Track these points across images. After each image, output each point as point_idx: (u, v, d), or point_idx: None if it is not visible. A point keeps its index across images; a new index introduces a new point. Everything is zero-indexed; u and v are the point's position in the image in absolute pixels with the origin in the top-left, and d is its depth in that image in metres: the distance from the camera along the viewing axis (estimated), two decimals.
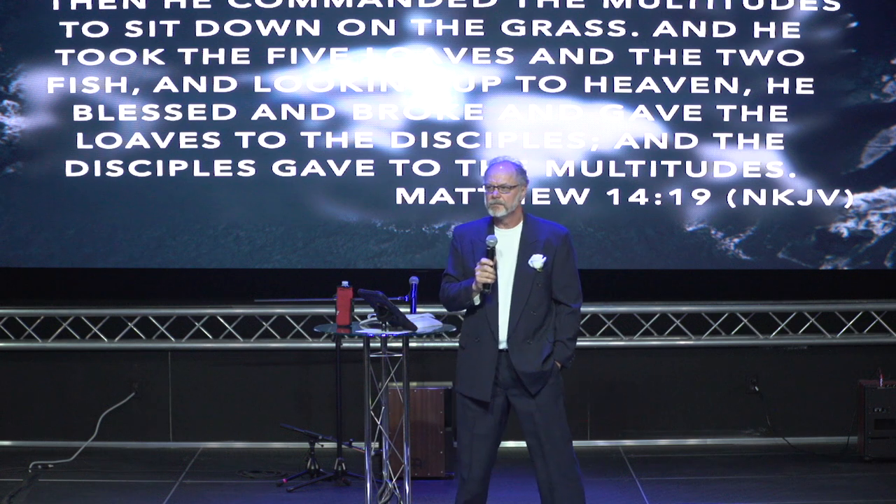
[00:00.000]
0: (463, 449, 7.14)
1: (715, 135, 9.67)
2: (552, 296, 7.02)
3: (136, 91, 9.62)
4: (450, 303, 7.12)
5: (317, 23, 9.61)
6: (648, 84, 9.62)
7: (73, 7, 9.58)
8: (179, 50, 9.61)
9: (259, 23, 9.59)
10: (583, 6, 9.60)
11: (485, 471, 7.16)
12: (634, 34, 9.61)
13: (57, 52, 9.61)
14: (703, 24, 9.61)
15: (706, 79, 9.63)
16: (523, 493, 8.91)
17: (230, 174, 9.67)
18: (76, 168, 9.67)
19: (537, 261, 6.95)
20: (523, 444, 10.34)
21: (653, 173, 9.66)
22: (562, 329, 7.04)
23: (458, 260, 7.09)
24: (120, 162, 9.67)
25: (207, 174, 9.68)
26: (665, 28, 9.60)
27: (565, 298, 7.03)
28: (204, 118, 9.64)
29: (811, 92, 9.63)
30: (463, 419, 7.12)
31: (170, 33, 9.60)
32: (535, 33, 9.61)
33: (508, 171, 6.98)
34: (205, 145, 9.66)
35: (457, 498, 7.25)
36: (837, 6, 9.59)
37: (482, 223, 7.11)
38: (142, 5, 9.58)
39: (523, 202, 7.06)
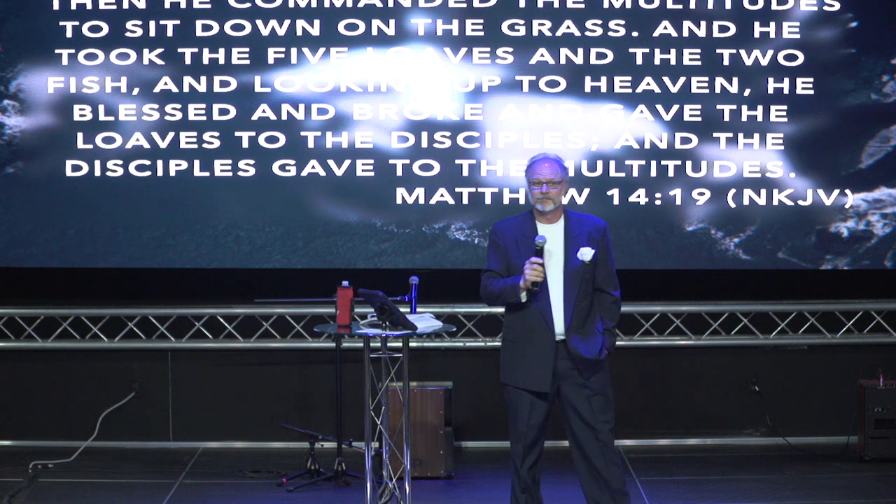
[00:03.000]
0: (518, 438, 7.24)
1: (715, 135, 9.67)
2: (595, 286, 7.21)
3: (136, 91, 9.62)
4: (493, 299, 7.25)
5: (317, 23, 9.61)
6: (648, 84, 9.62)
7: (73, 7, 9.58)
8: (179, 50, 9.61)
9: (259, 23, 9.60)
10: (583, 6, 9.60)
11: (536, 458, 7.27)
12: (634, 34, 9.61)
13: (57, 52, 9.61)
14: (703, 24, 9.61)
15: (706, 79, 9.63)
16: None
17: (230, 174, 9.67)
18: (76, 168, 9.68)
19: (587, 254, 7.13)
20: None
21: (653, 173, 9.67)
22: (608, 317, 7.26)
23: (501, 256, 7.20)
24: (120, 162, 9.67)
25: (207, 174, 9.68)
26: (665, 28, 9.61)
27: (608, 287, 7.27)
28: (204, 118, 9.64)
29: (811, 92, 9.63)
30: (517, 411, 7.23)
31: (170, 33, 9.60)
32: (535, 33, 9.61)
33: (555, 167, 7.16)
34: (205, 145, 9.66)
35: (513, 489, 7.31)
36: (837, 6, 9.59)
37: (523, 219, 7.24)
38: (142, 5, 9.59)
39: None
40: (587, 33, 9.62)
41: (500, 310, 10.03)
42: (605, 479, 7.23)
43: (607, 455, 7.24)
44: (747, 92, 9.63)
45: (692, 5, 9.60)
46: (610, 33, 9.61)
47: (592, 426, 7.21)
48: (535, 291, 7.09)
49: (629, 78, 9.62)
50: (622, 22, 9.60)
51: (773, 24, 9.60)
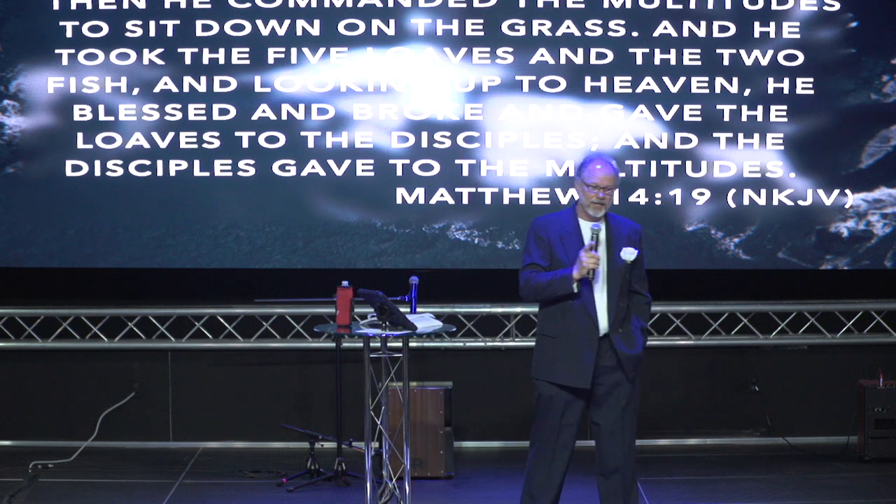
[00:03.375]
0: (547, 438, 7.19)
1: (715, 135, 9.67)
2: (629, 287, 7.22)
3: (136, 91, 9.62)
4: (538, 292, 7.17)
5: (317, 23, 9.61)
6: (648, 84, 9.62)
7: (73, 7, 9.58)
8: (179, 50, 9.61)
9: (259, 23, 9.60)
10: (583, 6, 9.60)
11: (568, 460, 7.23)
12: (634, 34, 9.61)
13: (57, 52, 9.61)
14: (703, 24, 9.61)
15: (706, 79, 9.63)
16: None
17: (230, 174, 9.67)
18: (76, 168, 9.67)
19: (631, 254, 7.15)
20: (525, 443, 10.37)
21: (653, 173, 9.67)
22: (642, 318, 7.28)
23: (546, 250, 7.17)
24: (120, 162, 9.67)
25: (207, 174, 9.68)
26: (665, 28, 9.61)
27: (642, 289, 7.29)
28: (204, 118, 9.64)
29: (811, 92, 9.63)
30: (549, 408, 7.20)
31: (170, 33, 9.60)
32: (535, 33, 9.61)
33: (612, 174, 7.17)
34: (205, 145, 9.66)
35: (532, 487, 7.25)
36: (837, 6, 9.59)
37: (565, 215, 7.23)
38: (142, 5, 9.58)
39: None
40: (587, 33, 9.62)
41: (502, 309, 10.11)
42: (618, 468, 7.20)
43: (632, 454, 7.22)
44: (747, 92, 9.63)
45: (692, 5, 9.60)
46: (610, 33, 9.61)
47: (622, 423, 7.18)
48: (591, 279, 7.06)
49: (629, 78, 9.62)
50: (622, 22, 9.60)
51: (773, 24, 9.60)
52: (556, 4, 9.59)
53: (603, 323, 7.13)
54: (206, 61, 9.61)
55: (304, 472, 9.22)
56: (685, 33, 9.62)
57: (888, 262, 9.74)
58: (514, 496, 8.85)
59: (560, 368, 7.15)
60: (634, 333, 7.20)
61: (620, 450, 7.19)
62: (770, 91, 9.63)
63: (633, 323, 7.21)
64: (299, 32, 9.61)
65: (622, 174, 9.64)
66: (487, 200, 9.68)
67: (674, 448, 10.12)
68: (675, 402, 10.24)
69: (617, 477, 7.20)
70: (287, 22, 9.60)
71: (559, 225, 7.20)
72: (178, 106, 9.64)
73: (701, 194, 9.69)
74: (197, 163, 9.67)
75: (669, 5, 9.60)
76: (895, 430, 9.57)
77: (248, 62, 9.61)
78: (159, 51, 9.61)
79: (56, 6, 9.58)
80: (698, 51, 9.62)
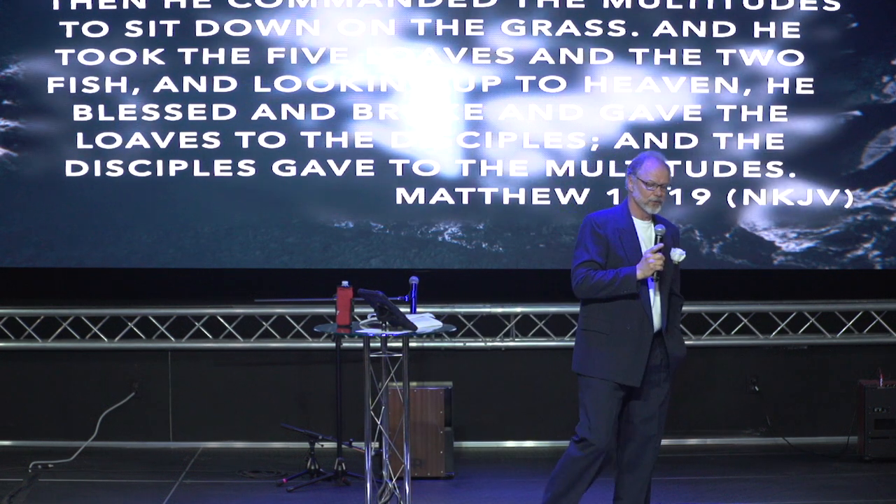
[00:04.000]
0: (604, 433, 7.15)
1: (715, 135, 9.67)
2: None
3: (136, 91, 9.63)
4: (597, 290, 7.14)
5: (317, 23, 9.61)
6: (648, 84, 9.62)
7: (73, 7, 9.58)
8: (179, 50, 9.61)
9: (259, 23, 9.60)
10: (583, 6, 9.60)
11: (605, 460, 7.23)
12: (634, 34, 9.61)
13: (57, 52, 9.61)
14: (703, 23, 9.61)
15: (706, 79, 9.63)
16: (524, 493, 8.92)
17: (230, 174, 9.67)
18: (76, 168, 9.68)
19: (681, 255, 7.15)
20: (525, 443, 10.40)
21: None
22: (677, 317, 7.30)
23: (604, 246, 7.16)
24: (120, 162, 9.67)
25: (207, 174, 9.68)
26: (665, 28, 9.61)
27: (678, 291, 7.30)
28: (204, 118, 9.65)
29: (811, 92, 9.63)
30: (605, 404, 7.17)
31: (170, 33, 9.60)
32: (535, 33, 9.61)
33: (667, 171, 7.17)
34: (205, 145, 9.66)
35: (568, 478, 7.22)
36: (837, 6, 9.60)
37: (619, 213, 7.23)
38: (142, 5, 9.59)
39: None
40: (587, 33, 9.62)
41: (502, 310, 10.10)
42: (642, 484, 7.25)
43: (655, 455, 7.26)
44: (747, 92, 9.64)
45: (692, 5, 9.60)
46: (610, 33, 9.61)
47: (656, 424, 7.21)
48: (655, 280, 7.06)
49: (629, 78, 9.62)
50: (622, 22, 9.60)
51: (773, 24, 9.60)
52: (556, 4, 9.60)
53: (657, 322, 7.14)
54: (206, 61, 9.61)
55: (304, 472, 9.22)
56: (685, 33, 9.62)
57: (888, 262, 9.74)
58: (515, 496, 8.87)
59: (611, 365, 7.14)
60: (678, 334, 7.26)
61: (651, 446, 7.22)
62: (770, 91, 9.63)
63: (675, 323, 7.25)
64: (299, 32, 9.61)
65: (621, 174, 9.67)
66: (487, 200, 9.69)
67: (674, 448, 10.12)
68: (676, 402, 10.21)
69: (639, 472, 7.24)
70: (287, 22, 9.60)
71: (616, 222, 7.20)
72: (178, 106, 9.64)
73: (701, 194, 9.69)
74: (197, 163, 9.68)
75: (669, 5, 9.60)
76: (895, 430, 9.57)
77: (248, 62, 9.61)
78: (159, 51, 9.61)
79: (56, 6, 9.58)
80: (698, 51, 9.62)
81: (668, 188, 7.24)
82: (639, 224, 7.21)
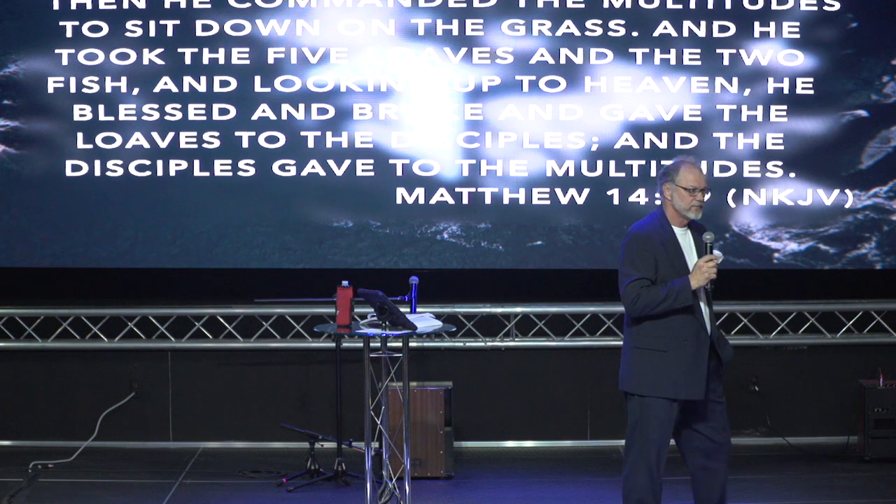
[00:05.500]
0: (651, 456, 7.06)
1: (715, 135, 9.67)
2: None
3: (136, 91, 9.63)
4: (652, 307, 6.98)
5: (317, 23, 9.61)
6: (648, 84, 9.62)
7: (73, 7, 9.58)
8: (179, 50, 9.61)
9: (259, 23, 9.60)
10: (583, 6, 9.60)
11: (661, 473, 7.16)
12: (634, 34, 9.61)
13: (57, 51, 9.61)
14: (703, 23, 9.61)
15: (706, 79, 9.63)
16: (524, 493, 8.92)
17: (230, 174, 9.67)
18: (76, 168, 9.68)
19: (719, 258, 7.04)
20: (525, 443, 10.39)
21: (653, 173, 9.66)
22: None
23: (652, 262, 7.00)
24: (120, 162, 9.67)
25: (207, 174, 9.68)
26: (665, 28, 9.61)
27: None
28: (204, 118, 9.65)
29: (811, 92, 9.63)
30: (659, 423, 7.04)
31: (170, 33, 9.60)
32: (535, 33, 9.61)
33: (703, 174, 7.10)
34: (205, 145, 9.66)
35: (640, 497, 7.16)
36: (837, 6, 9.59)
37: (659, 221, 7.10)
38: (142, 5, 9.58)
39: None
40: (587, 33, 9.62)
41: (502, 310, 10.10)
42: (721, 486, 7.19)
43: (725, 470, 7.19)
44: (747, 92, 9.63)
45: (692, 5, 9.60)
46: (610, 33, 9.61)
47: (718, 428, 7.13)
48: (709, 290, 6.98)
49: (629, 78, 9.62)
50: (622, 22, 9.60)
51: (773, 24, 9.60)
52: (556, 4, 9.59)
53: (709, 330, 7.05)
54: (206, 61, 9.61)
55: (304, 472, 9.21)
56: (685, 33, 9.62)
57: (888, 262, 9.74)
58: (515, 496, 8.87)
59: (670, 381, 6.99)
60: (723, 335, 7.20)
61: (724, 451, 7.14)
62: (770, 91, 9.63)
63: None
64: (299, 32, 9.61)
65: (621, 174, 9.68)
66: (487, 200, 9.68)
67: (674, 448, 10.09)
68: None
69: (716, 479, 7.15)
70: (287, 22, 9.60)
71: (658, 233, 7.05)
72: (178, 106, 9.64)
73: None
74: (197, 163, 9.67)
75: (669, 5, 9.60)
76: (895, 430, 9.57)
77: (248, 62, 9.61)
78: (159, 51, 9.61)
79: (56, 6, 9.58)
80: (698, 51, 9.62)
81: (705, 193, 7.08)
82: (677, 232, 7.08)
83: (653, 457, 7.04)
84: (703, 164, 9.66)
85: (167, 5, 9.59)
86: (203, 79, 9.62)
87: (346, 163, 9.67)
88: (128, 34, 9.60)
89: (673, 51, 9.62)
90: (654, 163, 9.66)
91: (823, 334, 10.18)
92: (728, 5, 9.59)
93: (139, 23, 9.59)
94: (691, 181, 7.01)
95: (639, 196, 9.68)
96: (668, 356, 7.00)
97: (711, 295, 7.06)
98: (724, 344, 7.15)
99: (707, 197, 7.09)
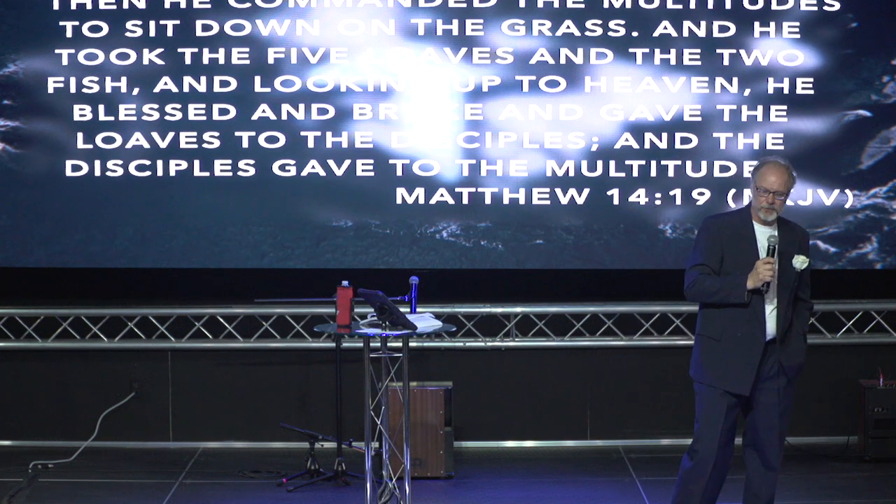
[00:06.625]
0: (709, 444, 7.11)
1: (715, 135, 9.67)
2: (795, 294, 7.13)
3: (136, 91, 9.63)
4: (706, 296, 7.05)
5: (317, 23, 9.61)
6: (648, 84, 9.62)
7: (73, 7, 9.58)
8: (179, 50, 9.61)
9: (259, 23, 9.60)
10: (583, 6, 9.60)
11: (726, 467, 7.20)
12: (634, 34, 9.61)
13: (57, 52, 9.61)
14: (703, 23, 9.61)
15: (706, 79, 9.63)
16: (524, 493, 8.92)
17: (230, 174, 9.67)
18: (76, 168, 9.68)
19: (803, 263, 7.01)
20: (525, 443, 10.39)
21: (653, 173, 9.67)
22: (802, 324, 7.16)
23: (717, 251, 7.03)
24: (120, 162, 9.67)
25: (207, 174, 9.68)
26: (665, 28, 9.60)
27: (806, 297, 7.17)
28: (204, 118, 9.65)
29: (811, 92, 9.63)
30: (712, 412, 7.10)
31: (170, 33, 9.60)
32: (535, 33, 9.61)
33: (785, 177, 7.01)
34: (205, 145, 9.66)
35: (686, 494, 7.20)
36: (837, 6, 9.59)
37: (739, 217, 7.11)
38: (142, 5, 9.58)
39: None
40: (587, 33, 9.62)
41: (502, 310, 10.10)
42: (767, 490, 7.23)
43: (779, 458, 7.21)
44: (747, 92, 9.63)
45: (692, 5, 9.60)
46: (610, 33, 9.61)
47: (776, 430, 7.15)
48: (764, 292, 6.95)
49: (629, 78, 9.62)
50: (622, 22, 9.60)
51: (773, 24, 9.60)
52: (556, 4, 9.59)
53: (771, 330, 7.02)
54: (206, 61, 9.61)
55: (304, 472, 9.21)
56: (685, 33, 9.61)
57: (888, 262, 9.74)
58: (515, 496, 8.87)
59: (722, 373, 7.04)
60: (798, 341, 7.11)
61: (773, 454, 7.16)
62: (770, 91, 9.63)
63: (796, 330, 7.11)
64: (299, 32, 9.61)
65: (621, 174, 9.67)
66: (487, 200, 9.68)
67: (674, 448, 10.11)
68: (675, 402, 10.22)
69: (766, 478, 7.19)
70: (287, 22, 9.60)
71: (733, 227, 7.06)
72: (178, 106, 9.64)
73: (701, 194, 9.69)
74: (197, 163, 9.68)
75: (669, 5, 9.60)
76: (895, 430, 9.57)
77: (248, 62, 9.61)
78: (159, 51, 9.61)
79: (56, 6, 9.58)
80: (698, 51, 9.62)
81: (784, 195, 7.00)
82: (759, 229, 7.05)
83: (700, 444, 7.10)
84: (703, 164, 9.66)
85: (167, 5, 9.59)
86: (203, 79, 9.62)
87: (346, 163, 9.67)
88: (128, 34, 9.60)
89: (673, 51, 9.62)
90: (654, 163, 9.66)
91: (823, 334, 10.18)
92: (728, 5, 9.59)
93: (139, 23, 9.59)
94: (764, 182, 7.00)
95: (639, 196, 9.68)
96: (720, 346, 7.05)
97: (791, 294, 7.01)
98: (792, 350, 7.07)
99: (780, 201, 7.00)
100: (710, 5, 9.59)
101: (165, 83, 9.62)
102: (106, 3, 9.59)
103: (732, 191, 9.67)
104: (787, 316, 7.05)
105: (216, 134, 9.66)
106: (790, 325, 7.08)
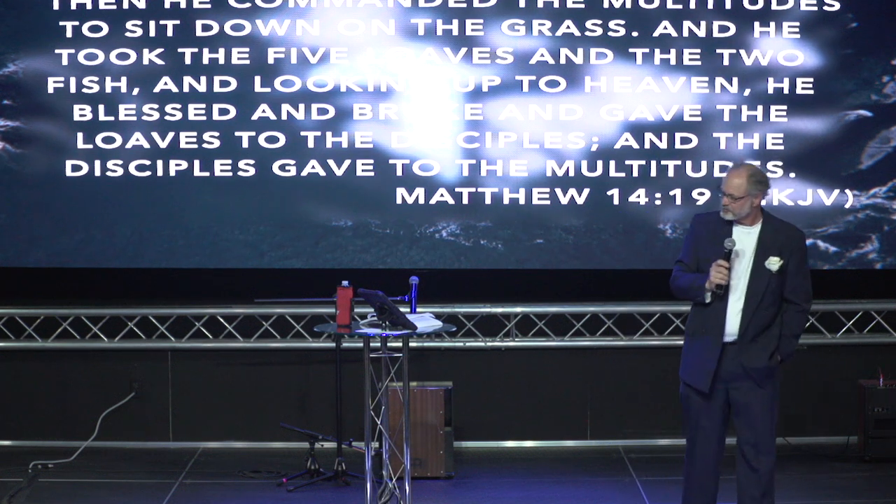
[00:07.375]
0: (689, 438, 7.19)
1: (715, 135, 9.67)
2: (783, 296, 7.08)
3: (136, 91, 9.63)
4: (678, 293, 7.19)
5: (317, 23, 9.61)
6: (648, 84, 9.62)
7: (73, 7, 9.58)
8: (179, 50, 9.61)
9: (259, 23, 9.60)
10: (583, 6, 9.60)
11: (713, 467, 7.18)
12: (634, 34, 9.61)
13: (57, 51, 9.61)
14: (703, 23, 9.61)
15: (706, 79, 9.63)
16: (524, 493, 8.92)
17: (230, 174, 9.67)
18: (76, 168, 9.68)
19: (774, 264, 7.00)
20: (524, 443, 10.39)
21: (653, 173, 9.67)
22: (788, 325, 7.12)
23: (693, 248, 7.13)
24: (120, 162, 9.67)
25: (207, 174, 9.68)
26: (665, 28, 9.60)
27: (796, 299, 7.11)
28: (204, 118, 9.65)
29: (811, 92, 9.63)
30: (687, 412, 7.19)
31: (170, 33, 9.60)
32: (535, 33, 9.61)
33: (738, 182, 7.01)
34: (205, 145, 9.66)
35: (684, 494, 7.24)
36: (837, 6, 9.59)
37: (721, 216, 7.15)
38: (142, 5, 9.59)
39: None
40: (587, 33, 9.61)
41: (502, 310, 10.12)
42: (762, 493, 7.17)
43: (770, 458, 7.16)
44: (747, 92, 9.63)
45: (692, 5, 9.60)
46: (610, 33, 9.61)
47: (755, 430, 7.11)
48: (718, 294, 6.98)
49: (629, 78, 9.62)
50: (622, 22, 9.60)
51: (773, 24, 9.60)
52: (556, 4, 9.59)
53: (731, 331, 7.03)
54: (206, 61, 9.61)
55: (304, 472, 9.21)
56: (685, 33, 9.61)
57: (888, 262, 9.74)
58: (515, 496, 8.87)
59: (688, 367, 7.16)
60: (770, 343, 7.06)
61: (752, 455, 7.12)
62: (770, 91, 9.63)
63: (775, 332, 7.08)
64: (299, 32, 9.61)
65: (621, 174, 9.67)
66: (487, 200, 9.68)
67: (674, 448, 10.11)
68: (675, 402, 10.18)
69: (753, 477, 7.14)
70: (287, 22, 9.60)
71: (711, 226, 7.11)
72: (178, 106, 9.64)
73: (701, 194, 9.69)
74: (197, 163, 9.68)
75: (669, 5, 9.60)
76: (895, 430, 9.57)
77: (248, 62, 9.61)
78: (159, 51, 9.61)
79: (56, 6, 9.58)
80: (698, 51, 9.62)
81: (739, 199, 6.97)
82: (738, 230, 7.07)
83: (689, 444, 7.17)
84: (703, 164, 9.66)
85: (167, 5, 9.59)
86: (203, 79, 9.62)
87: (346, 163, 9.67)
88: (128, 34, 9.60)
89: (673, 51, 9.62)
90: (654, 163, 9.66)
91: (823, 334, 10.18)
92: (728, 5, 9.59)
93: (139, 23, 9.59)
94: (724, 185, 7.05)
95: (639, 196, 9.68)
96: (691, 342, 7.15)
97: (768, 297, 6.99)
98: (756, 352, 7.04)
99: (734, 203, 6.99)
100: (710, 5, 9.59)
101: (165, 83, 9.62)
102: (106, 3, 9.59)
103: None
104: (760, 318, 7.03)
105: (216, 134, 9.66)
106: (767, 327, 7.06)
